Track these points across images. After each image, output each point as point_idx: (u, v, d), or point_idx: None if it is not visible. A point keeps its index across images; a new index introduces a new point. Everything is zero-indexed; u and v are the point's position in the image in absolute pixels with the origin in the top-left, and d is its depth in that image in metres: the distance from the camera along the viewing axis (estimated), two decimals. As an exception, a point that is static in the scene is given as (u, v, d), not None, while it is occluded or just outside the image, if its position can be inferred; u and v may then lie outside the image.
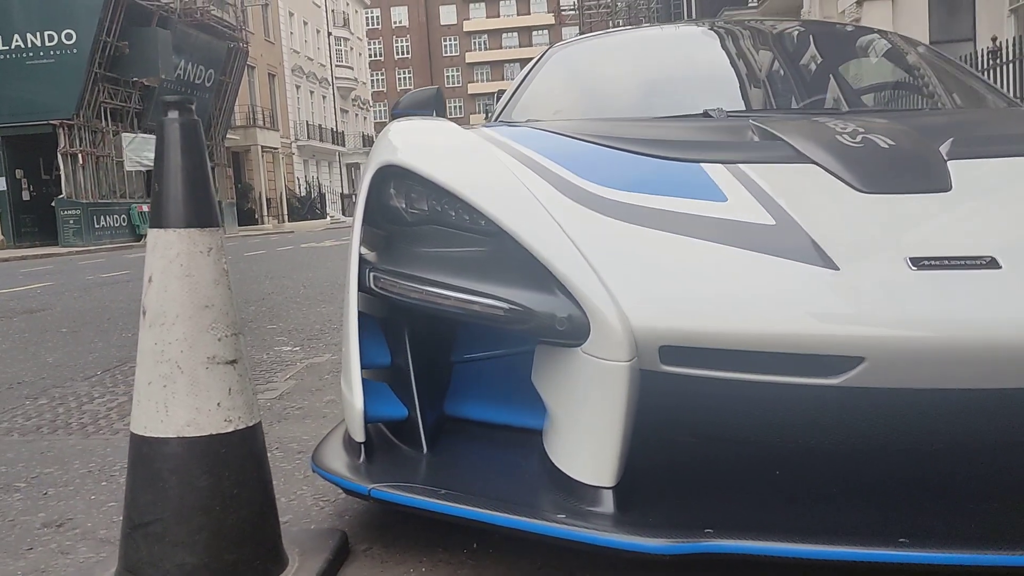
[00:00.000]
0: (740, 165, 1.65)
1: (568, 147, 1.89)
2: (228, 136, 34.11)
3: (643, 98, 2.69)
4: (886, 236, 1.41)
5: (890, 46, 3.06)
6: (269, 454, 2.36)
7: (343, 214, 45.97)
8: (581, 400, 1.41)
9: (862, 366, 1.27)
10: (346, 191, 52.84)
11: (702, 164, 1.68)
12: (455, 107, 77.38)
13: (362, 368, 1.79)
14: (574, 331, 1.39)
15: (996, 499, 1.36)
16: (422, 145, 1.93)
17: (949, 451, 1.47)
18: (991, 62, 9.36)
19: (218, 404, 1.43)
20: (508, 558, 1.58)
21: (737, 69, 2.92)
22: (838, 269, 1.34)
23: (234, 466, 1.45)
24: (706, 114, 2.30)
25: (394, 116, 2.85)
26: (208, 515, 1.42)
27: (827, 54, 2.97)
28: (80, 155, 22.99)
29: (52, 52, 22.49)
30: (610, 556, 1.36)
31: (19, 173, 23.35)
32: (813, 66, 2.87)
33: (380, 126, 73.45)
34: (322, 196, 47.42)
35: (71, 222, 22.29)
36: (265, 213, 39.29)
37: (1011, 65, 8.93)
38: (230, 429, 1.44)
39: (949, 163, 1.60)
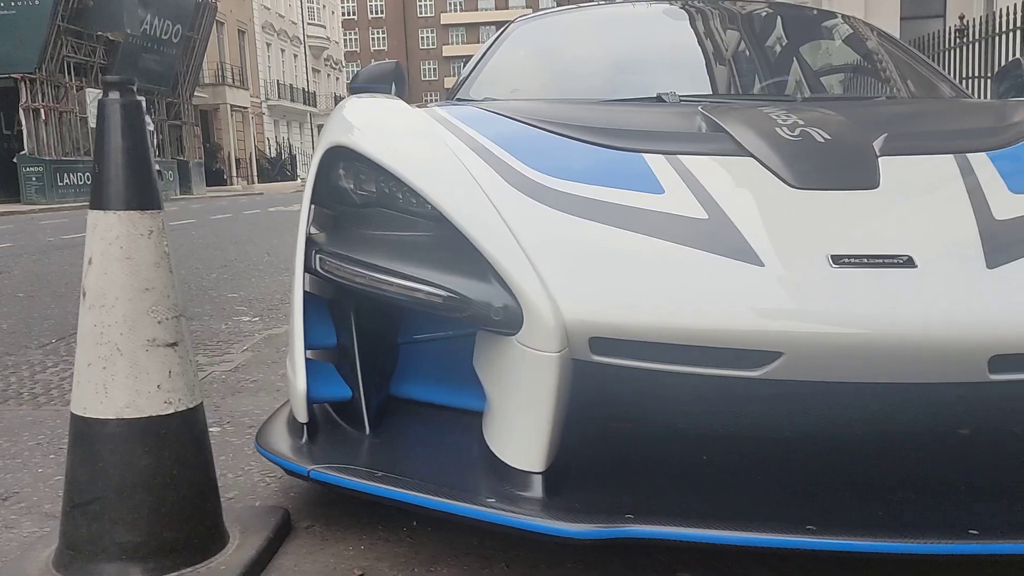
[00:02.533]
0: (680, 156, 1.69)
1: (515, 132, 1.91)
2: (196, 94, 33.46)
3: (600, 79, 2.70)
4: (811, 233, 1.45)
5: (850, 31, 3.10)
6: (220, 428, 2.40)
7: (314, 176, 45.41)
8: (514, 387, 1.45)
9: (780, 360, 1.32)
10: (317, 153, 52.06)
11: (644, 155, 1.71)
12: (430, 69, 76.49)
13: (308, 349, 1.82)
14: (509, 321, 1.43)
15: (906, 489, 1.43)
16: (371, 126, 1.94)
17: (863, 442, 1.53)
18: (957, 40, 9.45)
19: (158, 386, 1.45)
20: (446, 536, 1.62)
21: (696, 50, 2.94)
22: (763, 266, 1.39)
23: (174, 447, 1.47)
24: (659, 98, 2.32)
25: (352, 90, 2.85)
26: (148, 494, 1.44)
27: (788, 37, 3.00)
28: (43, 110, 22.45)
29: (13, 3, 21.84)
30: (541, 537, 1.41)
31: (-21, 128, 22.81)
32: (773, 49, 2.90)
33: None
34: (293, 157, 46.85)
35: (33, 179, 21.83)
36: (234, 174, 38.77)
37: (977, 44, 9.02)
38: (170, 411, 1.46)
39: (880, 159, 1.65)
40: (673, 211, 1.52)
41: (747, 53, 2.86)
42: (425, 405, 1.88)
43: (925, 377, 1.33)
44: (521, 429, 1.44)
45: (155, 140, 28.36)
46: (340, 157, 1.83)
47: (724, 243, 1.43)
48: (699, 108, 2.01)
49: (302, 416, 1.68)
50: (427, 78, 76.16)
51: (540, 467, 1.42)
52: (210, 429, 2.34)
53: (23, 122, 22.05)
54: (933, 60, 11.39)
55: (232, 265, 6.34)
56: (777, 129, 1.75)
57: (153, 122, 27.92)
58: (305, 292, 1.76)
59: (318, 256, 1.75)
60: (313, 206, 1.88)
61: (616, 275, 1.43)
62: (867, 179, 1.57)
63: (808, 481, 1.45)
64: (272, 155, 44.97)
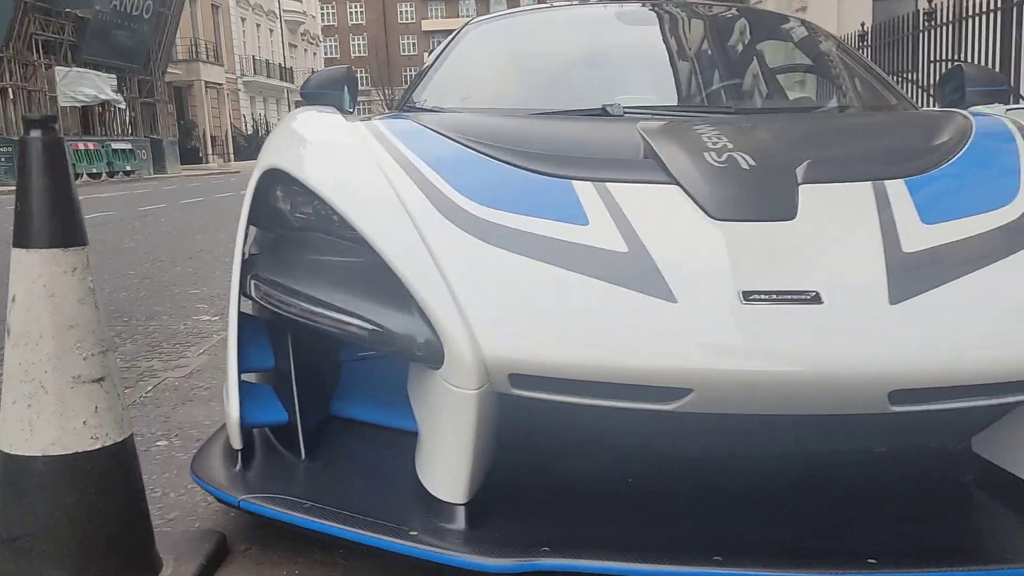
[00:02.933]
0: (608, 184, 1.70)
1: (451, 155, 1.92)
2: (169, 71, 33.01)
3: (548, 87, 2.71)
4: (724, 267, 1.48)
5: (802, 36, 3.11)
6: (167, 442, 2.41)
7: (291, 153, 44.99)
8: (437, 419, 1.48)
9: (691, 396, 1.35)
10: (294, 129, 51.57)
11: (573, 182, 1.73)
12: (409, 44, 75.73)
13: (246, 371, 1.83)
14: (431, 356, 1.45)
15: (814, 517, 1.47)
16: (308, 149, 1.95)
17: (774, 471, 1.57)
18: (926, 23, 9.49)
19: (84, 422, 1.46)
20: (380, 560, 1.65)
21: (648, 56, 2.94)
22: (676, 302, 1.42)
23: (101, 482, 1.48)
24: (604, 110, 2.32)
25: (303, 95, 2.84)
26: (75, 529, 1.46)
27: (740, 41, 3.02)
28: (10, 90, 22.11)
29: (-23, -21, 21.41)
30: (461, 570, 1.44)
31: (-55, 107, 22.40)
32: (725, 55, 2.92)
33: (330, 62, 71.58)
34: (269, 134, 46.23)
35: (2, 160, 21.54)
36: (210, 151, 38.35)
37: (945, 28, 9.07)
38: (97, 446, 1.48)
39: (801, 187, 1.67)
40: (595, 244, 1.54)
41: (698, 60, 2.87)
42: (366, 426, 1.90)
43: (830, 409, 1.38)
44: (445, 461, 1.47)
45: (127, 118, 28.02)
46: (277, 179, 1.84)
47: (640, 278, 1.46)
48: (637, 126, 2.01)
49: (236, 443, 1.70)
50: (406, 53, 75.41)
51: (463, 499, 1.45)
52: (157, 443, 2.39)
53: (-10, 101, 21.75)
54: (903, 43, 11.45)
55: (198, 257, 6.31)
56: (706, 154, 1.77)
57: (124, 100, 27.56)
58: (242, 314, 1.78)
59: (253, 282, 1.77)
60: (253, 227, 1.89)
61: (536, 312, 1.45)
62: (785, 210, 1.60)
63: (720, 511, 1.49)
64: (248, 132, 44.47)
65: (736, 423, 1.42)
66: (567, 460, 1.61)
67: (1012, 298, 1.46)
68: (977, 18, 8.29)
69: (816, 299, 1.41)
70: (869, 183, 1.71)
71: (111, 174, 24.96)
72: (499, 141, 1.95)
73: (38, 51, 23.09)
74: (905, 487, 1.63)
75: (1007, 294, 1.47)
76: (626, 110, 2.32)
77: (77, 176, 23.13)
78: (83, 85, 25.00)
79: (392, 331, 1.50)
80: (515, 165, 1.82)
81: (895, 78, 10.21)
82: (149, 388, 2.91)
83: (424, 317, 1.46)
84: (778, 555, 1.34)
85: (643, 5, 3.19)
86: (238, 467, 1.69)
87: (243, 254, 1.84)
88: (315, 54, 60.71)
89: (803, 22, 3.20)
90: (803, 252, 1.52)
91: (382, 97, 65.56)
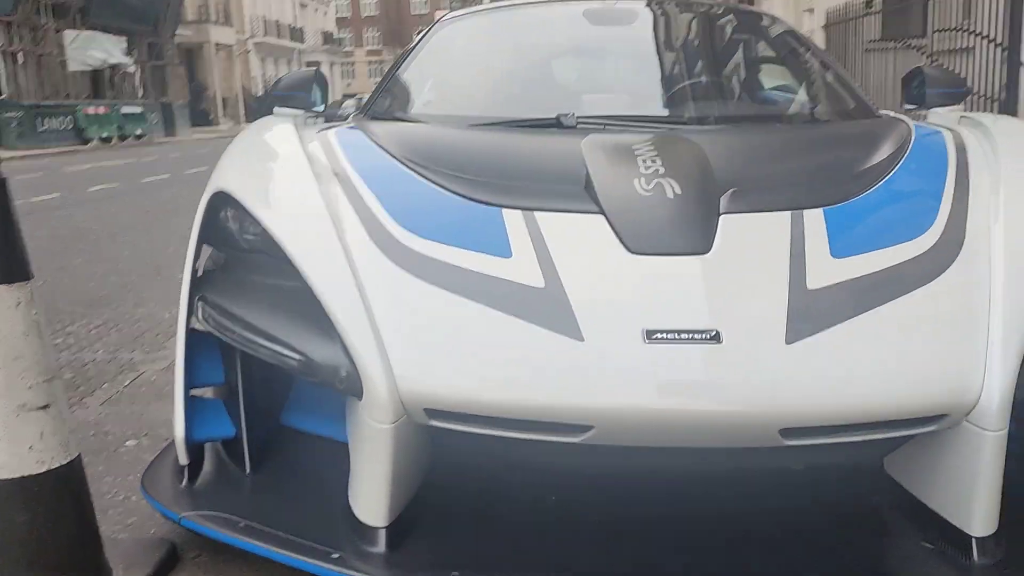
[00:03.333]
0: (536, 214, 1.76)
1: (393, 178, 1.98)
2: (179, 32, 32.87)
3: (509, 93, 2.74)
4: (633, 305, 1.54)
5: (770, 35, 3.12)
6: (136, 442, 2.51)
7: (303, 115, 44.91)
8: (360, 446, 1.56)
9: (592, 431, 1.43)
10: (306, 90, 51.38)
11: (503, 210, 1.78)
12: (419, 2, 74.84)
13: (198, 386, 1.92)
14: (352, 389, 1.53)
15: (714, 539, 1.56)
16: (255, 172, 2.02)
17: (676, 496, 1.65)
18: (864, 11, 9.33)
19: (30, 448, 1.56)
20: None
21: (612, 61, 2.97)
22: (583, 340, 1.48)
23: (49, 502, 1.58)
24: (558, 119, 2.35)
25: (273, 97, 2.90)
26: (25, 547, 1.56)
27: (706, 41, 3.03)
28: (20, 54, 22.12)
29: (-16, -58, 21.32)
30: None
31: (-44, 72, 22.45)
32: (686, 60, 2.92)
33: (341, 21, 70.98)
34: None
35: (13, 125, 21.60)
36: (221, 114, 38.33)
37: (878, 16, 8.89)
38: (43, 470, 1.57)
39: (722, 218, 1.72)
40: (514, 278, 1.60)
41: (660, 63, 2.89)
42: (314, 437, 1.98)
43: (725, 444, 1.46)
44: (366, 486, 1.56)
45: (137, 82, 28.00)
46: (226, 201, 1.91)
47: (552, 316, 1.52)
48: (582, 144, 2.04)
49: (182, 459, 1.80)
50: (417, 12, 74.58)
51: (383, 523, 1.54)
52: (126, 443, 2.49)
53: (1, 66, 21.75)
54: (847, 28, 11.29)
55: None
56: (636, 181, 1.82)
57: (134, 63, 27.53)
58: (193, 329, 1.86)
59: (200, 303, 1.85)
60: (204, 246, 1.97)
61: (451, 349, 1.53)
62: (700, 244, 1.65)
63: (635, 534, 1.58)
64: (259, 93, 44.32)
65: (638, 457, 1.50)
66: (489, 483, 1.70)
67: (901, 337, 1.52)
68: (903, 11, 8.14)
69: (716, 338, 1.48)
70: (788, 213, 1.75)
71: (122, 138, 25.03)
72: (443, 163, 2.00)
73: (47, 15, 23.07)
74: (815, 508, 1.70)
75: (897, 333, 1.52)
76: (580, 120, 2.34)
77: (87, 141, 23.41)
78: (93, 48, 24.97)
79: (317, 363, 1.58)
80: (453, 191, 1.87)
81: (903, 43, 10.09)
82: (127, 383, 3.01)
83: (347, 351, 1.54)
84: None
85: (615, 2, 3.19)
86: (184, 483, 1.79)
87: (194, 272, 1.92)
88: (325, 13, 60.18)
89: (773, 20, 3.20)
90: (711, 289, 1.58)
91: (392, 57, 65.03)
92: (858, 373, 1.47)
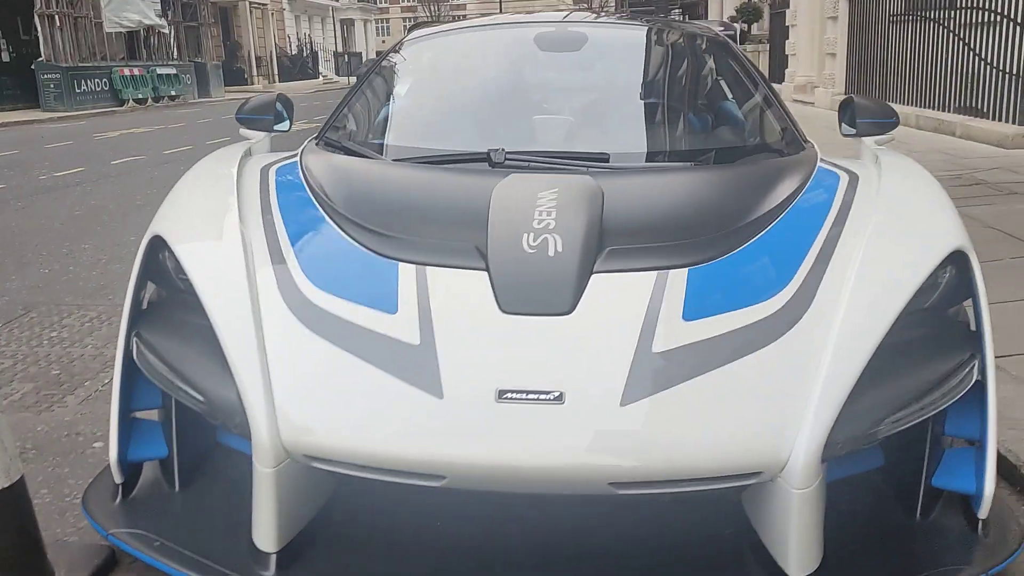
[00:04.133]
0: (427, 269, 1.94)
1: (312, 226, 2.17)
2: (214, -9, 33.07)
3: (449, 124, 2.89)
4: (491, 366, 1.73)
5: (709, 63, 3.21)
6: (102, 444, 2.76)
7: (336, 73, 45.04)
8: (254, 479, 1.77)
9: (445, 480, 1.64)
10: (339, 49, 51.50)
11: (400, 264, 1.97)
12: (456, -43, 73.85)
13: (138, 409, 2.15)
14: (244, 433, 1.75)
15: (556, 569, 1.77)
16: (186, 219, 2.22)
17: (526, 533, 1.85)
18: None
19: (-26, 473, 1.81)
20: None
21: (553, 93, 3.08)
22: (442, 398, 1.68)
23: (-8, 520, 1.84)
24: (488, 155, 2.50)
25: (237, 120, 3.10)
26: (-28, 557, 1.82)
27: (646, 73, 3.15)
28: (58, 16, 22.49)
29: (21, -95, 21.57)
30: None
31: (-4, 33, 22.93)
32: (621, 92, 3.04)
33: (378, -23, 70.61)
34: (314, 54, 46.31)
35: (51, 86, 22.08)
36: (255, 73, 38.57)
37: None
38: (-13, 492, 1.82)
39: (594, 276, 1.88)
40: (395, 335, 1.80)
41: (597, 97, 3.01)
42: (245, 457, 2.21)
43: (561, 491, 1.68)
44: (258, 515, 1.78)
45: (171, 42, 28.28)
46: (163, 244, 2.12)
47: (420, 373, 1.72)
48: (494, 190, 2.19)
49: (116, 478, 2.04)
50: (454, -33, 73.76)
51: (273, 549, 1.77)
52: (95, 444, 2.75)
53: (39, 28, 22.15)
54: (870, 1, 11.04)
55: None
56: (525, 237, 1.98)
57: (169, 24, 27.80)
58: (132, 358, 2.07)
59: (135, 339, 2.07)
60: (147, 281, 2.18)
61: (331, 400, 1.74)
62: (566, 304, 1.82)
63: (504, 556, 1.80)
64: (293, 52, 44.53)
65: (489, 500, 1.71)
66: (376, 513, 1.91)
67: (727, 400, 1.69)
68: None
69: (559, 399, 1.66)
70: (655, 273, 1.90)
71: (157, 99, 25.44)
72: (360, 211, 2.18)
73: (82, -23, 23.37)
74: (672, 537, 1.89)
75: (724, 396, 1.69)
76: (508, 156, 2.49)
77: (123, 102, 23.83)
78: (127, 10, 25.29)
79: (216, 407, 1.80)
80: (361, 244, 2.06)
81: (926, 16, 9.92)
82: (107, 380, 3.27)
83: (241, 400, 1.75)
84: None
85: (568, 25, 3.29)
86: (117, 500, 2.03)
87: (137, 304, 2.14)
88: (362, -30, 59.83)
89: (718, 45, 3.26)
90: (564, 350, 1.75)
91: (427, 14, 64.66)
92: (681, 433, 1.65)
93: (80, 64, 22.99)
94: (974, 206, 5.49)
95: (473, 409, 1.67)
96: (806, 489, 1.62)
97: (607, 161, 2.52)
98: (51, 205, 7.39)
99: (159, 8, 26.83)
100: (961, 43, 8.99)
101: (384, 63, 3.30)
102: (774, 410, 1.68)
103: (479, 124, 2.88)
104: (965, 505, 1.90)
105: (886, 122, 2.86)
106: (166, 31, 27.70)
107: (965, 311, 2.10)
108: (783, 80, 16.30)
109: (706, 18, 29.18)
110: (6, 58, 23.23)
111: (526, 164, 2.45)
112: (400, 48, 3.35)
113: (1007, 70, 8.16)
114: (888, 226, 2.07)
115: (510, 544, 1.85)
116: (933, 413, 1.79)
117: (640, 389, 1.67)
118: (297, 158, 2.64)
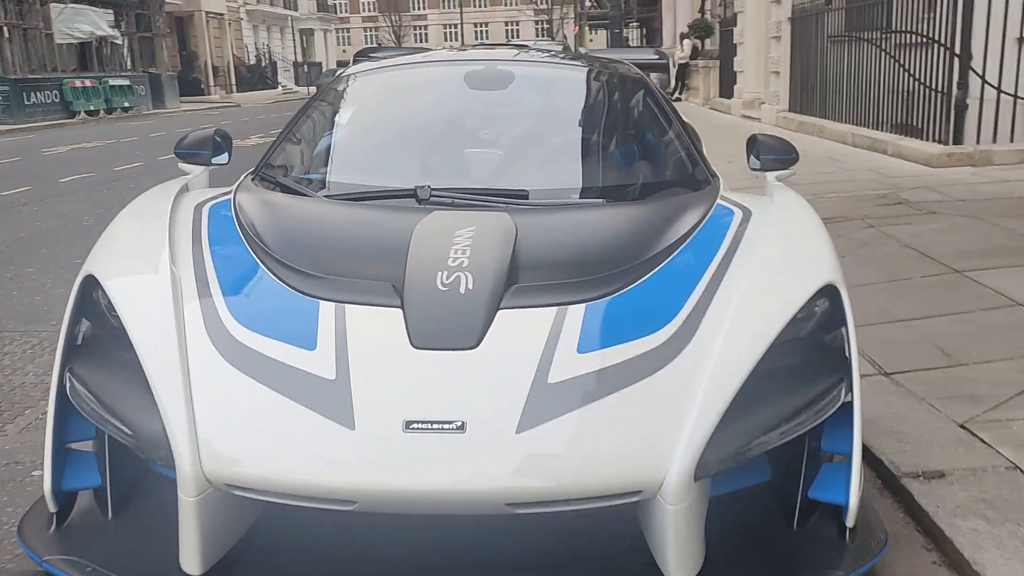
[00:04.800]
0: (346, 307, 2.09)
1: (239, 266, 2.31)
2: (169, 1, 32.82)
3: (378, 161, 3.05)
4: (400, 398, 1.89)
5: (630, 102, 3.41)
6: (40, 472, 2.83)
7: (296, 83, 44.87)
8: (180, 506, 1.90)
9: (356, 505, 1.79)
10: (299, 58, 51.29)
11: (320, 302, 2.12)
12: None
13: (73, 440, 2.25)
14: (168, 466, 1.88)
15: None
16: (117, 259, 2.35)
17: (439, 549, 2.00)
18: (826, 6, 9.54)
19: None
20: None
21: (481, 131, 3.24)
22: (354, 429, 1.83)
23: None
24: (415, 192, 2.65)
25: (176, 154, 3.22)
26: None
27: (564, 112, 3.34)
28: (6, 27, 22.21)
29: (-33, -85, 21.27)
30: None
31: (-58, 45, 22.53)
32: (546, 131, 3.24)
33: (336, -13, 70.53)
34: (273, 64, 46.14)
35: (0, 99, 21.77)
36: (212, 83, 38.32)
37: (840, 12, 9.12)
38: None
39: (499, 312, 2.05)
40: (312, 370, 1.94)
41: (521, 135, 3.19)
42: (172, 483, 2.33)
43: (463, 512, 1.85)
44: (183, 540, 1.91)
45: (124, 53, 28.02)
46: (96, 283, 2.24)
47: (334, 406, 1.87)
48: (417, 227, 2.35)
49: (51, 507, 2.15)
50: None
51: (197, 571, 1.90)
52: (33, 473, 2.83)
53: (-14, 40, 21.89)
54: (810, 22, 11.51)
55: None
56: (439, 275, 2.14)
57: (122, 35, 27.56)
58: (66, 392, 2.18)
59: (68, 375, 2.18)
60: (81, 318, 2.30)
61: (251, 432, 1.88)
62: (472, 339, 1.98)
63: (428, 568, 1.96)
64: (251, 62, 44.31)
65: (399, 520, 1.86)
66: (297, 534, 2.05)
67: (612, 426, 1.86)
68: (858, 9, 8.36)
69: (461, 428, 1.82)
70: (555, 309, 2.08)
71: (109, 111, 25.18)
72: (286, 251, 2.33)
73: (32, -13, 23.11)
74: (575, 547, 2.05)
75: (610, 422, 1.87)
76: (434, 193, 2.65)
77: (75, 114, 23.56)
78: (79, 21, 25.03)
79: (143, 441, 1.93)
80: (284, 283, 2.21)
81: (862, 37, 10.29)
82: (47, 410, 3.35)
83: (167, 434, 1.88)
84: None
85: (497, 64, 3.46)
86: (52, 528, 2.14)
87: (72, 339, 2.25)
88: (320, -21, 59.66)
89: (637, 83, 3.45)
90: (467, 383, 1.92)
91: (388, 24, 64.81)
92: (570, 456, 1.83)
93: (29, 76, 22.71)
94: (894, 225, 5.78)
95: (382, 439, 1.82)
96: (680, 505, 1.80)
97: (526, 198, 2.69)
98: (-5, 227, 7.38)
99: (112, 19, 26.60)
100: (895, 62, 9.34)
101: (320, 99, 3.44)
102: (653, 434, 1.85)
103: (408, 161, 3.03)
104: (839, 515, 2.09)
105: (786, 158, 3.09)
106: (120, 42, 27.45)
107: (843, 336, 2.29)
108: (732, 96, 16.73)
109: (661, 31, 29.70)
110: (-48, 70, 22.87)
111: (450, 201, 2.61)
112: (337, 84, 3.50)
113: (938, 88, 8.48)
114: (770, 261, 2.28)
115: (422, 562, 1.99)
116: (801, 433, 1.98)
117: (535, 417, 1.84)
118: (231, 195, 2.78)
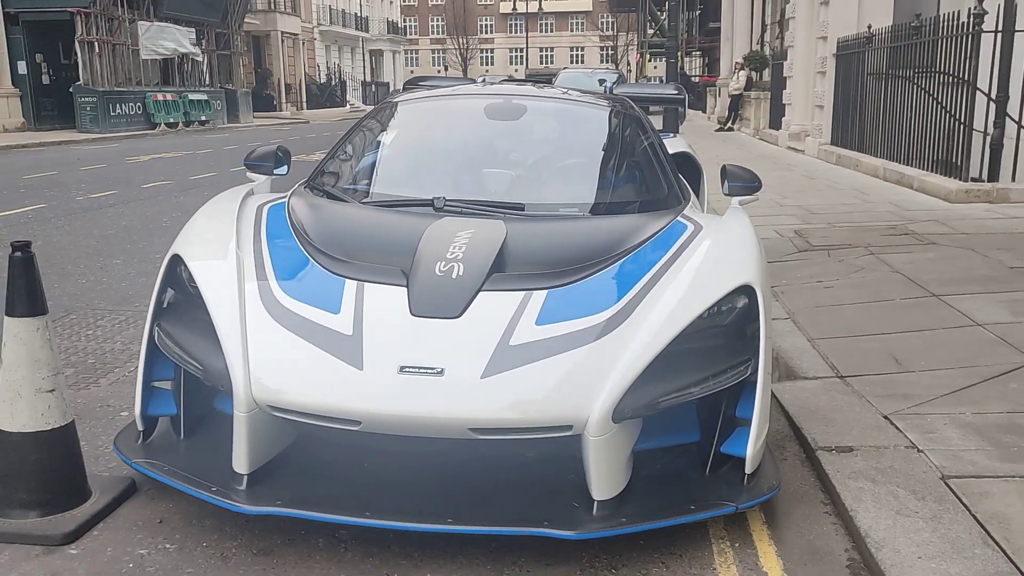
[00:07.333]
0: (366, 285, 2.75)
1: (287, 251, 2.99)
2: (248, 20, 34.52)
3: (406, 175, 3.72)
4: (399, 349, 2.52)
5: (614, 126, 4.04)
6: (128, 413, 3.56)
7: (363, 102, 46.48)
8: (235, 422, 2.56)
9: (361, 425, 2.43)
10: (367, 78, 53.03)
11: (346, 280, 2.78)
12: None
13: (154, 380, 2.95)
14: (228, 390, 2.55)
15: (452, 490, 2.54)
16: (198, 242, 3.05)
17: (426, 464, 2.60)
18: (914, 36, 9.91)
19: (42, 414, 2.62)
20: (202, 505, 2.76)
21: (493, 154, 3.90)
22: (362, 369, 2.47)
23: (52, 448, 2.64)
24: (432, 202, 3.31)
25: (245, 164, 3.94)
26: (36, 476, 2.62)
27: (561, 138, 3.99)
28: (97, 43, 23.80)
29: (69, -61, 22.94)
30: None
31: (39, 57, 24.21)
32: (543, 155, 3.90)
33: (407, 10, 72.52)
34: (343, 83, 47.89)
35: (88, 109, 23.31)
36: (283, 100, 40.01)
37: (926, 43, 9.51)
38: (49, 428, 2.63)
39: (480, 294, 2.68)
40: (335, 327, 2.60)
41: (525, 158, 3.85)
42: (227, 418, 3.00)
43: (439, 435, 2.47)
44: (236, 447, 2.57)
45: (203, 69, 29.58)
46: (180, 261, 2.95)
47: (350, 353, 2.52)
48: (431, 226, 3.02)
49: (139, 426, 2.85)
50: (483, 2, 75.76)
51: (245, 471, 2.55)
52: (121, 413, 3.55)
53: (79, 54, 23.47)
54: (853, 59, 11.88)
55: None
56: (437, 264, 2.79)
57: (202, 53, 29.15)
58: (155, 342, 2.88)
59: (157, 328, 2.88)
60: (167, 287, 3.00)
61: (287, 369, 2.55)
62: (456, 311, 2.62)
63: (401, 485, 2.56)
64: (322, 81, 46.09)
65: (398, 439, 2.50)
66: (328, 446, 2.69)
67: (556, 376, 2.47)
68: (946, 40, 8.71)
69: (441, 373, 2.46)
70: (523, 293, 2.70)
71: (187, 123, 26.69)
72: (325, 241, 3.01)
73: (122, 6, 24.72)
74: (532, 478, 2.64)
75: (554, 374, 2.48)
76: (448, 203, 3.31)
77: (155, 126, 25.09)
78: (163, 39, 26.64)
79: (211, 373, 2.60)
80: (321, 265, 2.88)
81: (900, 75, 10.63)
82: (132, 368, 4.09)
83: (227, 367, 2.56)
84: (444, 514, 2.43)
85: (512, 98, 4.11)
86: (139, 441, 2.84)
87: (160, 303, 2.95)
88: (391, 2, 61.67)
89: (631, 121, 4.08)
90: (450, 341, 2.55)
91: (456, 47, 66.49)
92: (520, 397, 2.45)
93: (116, 88, 24.24)
94: (892, 253, 6.22)
95: (382, 377, 2.47)
96: (599, 437, 2.41)
97: (522, 210, 3.33)
98: (87, 224, 8.30)
99: (194, 37, 28.20)
100: (930, 98, 9.58)
101: (362, 124, 4.15)
102: (584, 385, 2.46)
103: (431, 176, 3.70)
104: (742, 465, 2.65)
105: (751, 186, 3.67)
106: (200, 59, 29.05)
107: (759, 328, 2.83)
108: (779, 128, 17.12)
109: (719, 61, 30.18)
110: (47, 81, 24.52)
111: (459, 210, 3.26)
112: (380, 111, 4.21)
113: (964, 121, 8.73)
114: (701, 265, 2.86)
115: (406, 475, 2.61)
116: (703, 396, 2.57)
117: (496, 368, 2.47)
118: (286, 199, 3.48)
